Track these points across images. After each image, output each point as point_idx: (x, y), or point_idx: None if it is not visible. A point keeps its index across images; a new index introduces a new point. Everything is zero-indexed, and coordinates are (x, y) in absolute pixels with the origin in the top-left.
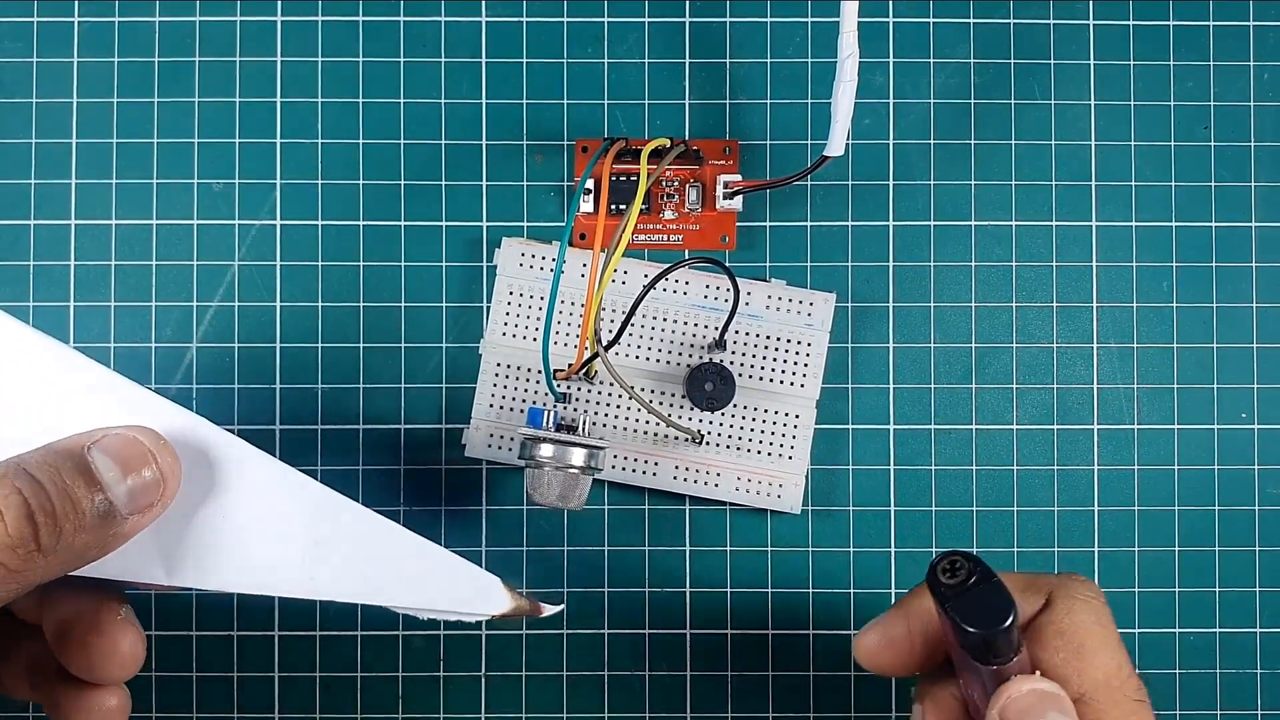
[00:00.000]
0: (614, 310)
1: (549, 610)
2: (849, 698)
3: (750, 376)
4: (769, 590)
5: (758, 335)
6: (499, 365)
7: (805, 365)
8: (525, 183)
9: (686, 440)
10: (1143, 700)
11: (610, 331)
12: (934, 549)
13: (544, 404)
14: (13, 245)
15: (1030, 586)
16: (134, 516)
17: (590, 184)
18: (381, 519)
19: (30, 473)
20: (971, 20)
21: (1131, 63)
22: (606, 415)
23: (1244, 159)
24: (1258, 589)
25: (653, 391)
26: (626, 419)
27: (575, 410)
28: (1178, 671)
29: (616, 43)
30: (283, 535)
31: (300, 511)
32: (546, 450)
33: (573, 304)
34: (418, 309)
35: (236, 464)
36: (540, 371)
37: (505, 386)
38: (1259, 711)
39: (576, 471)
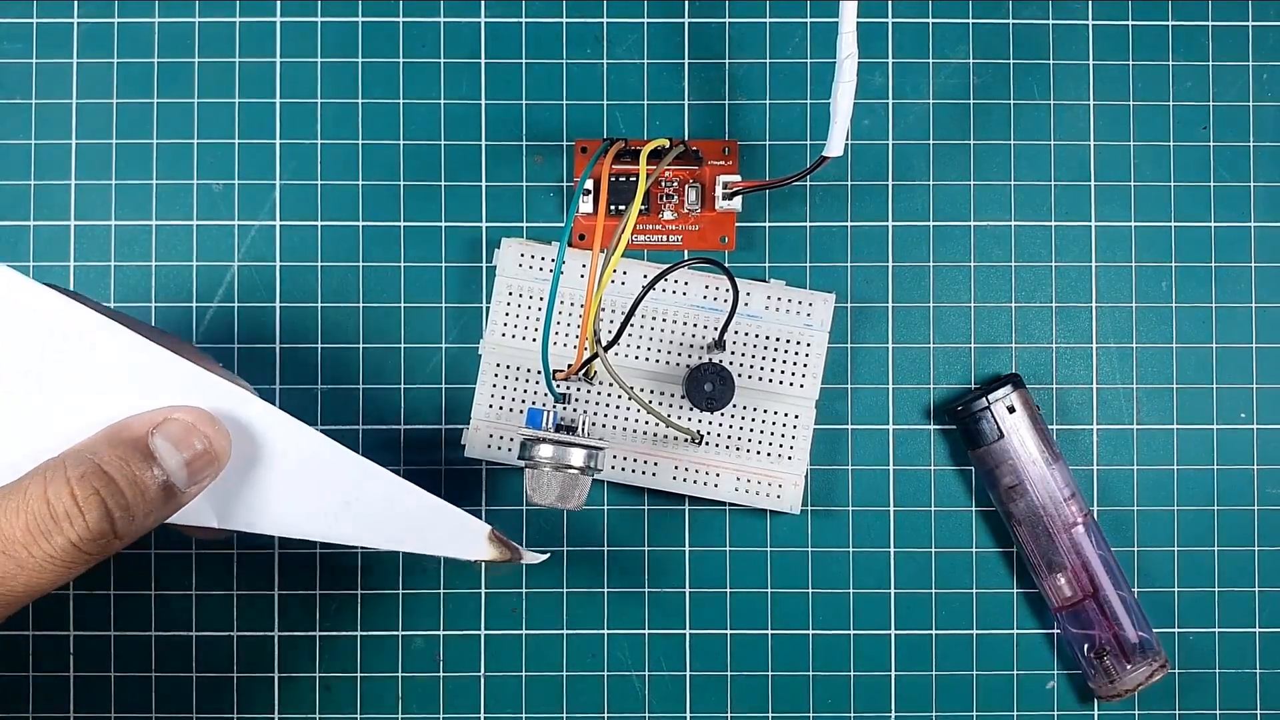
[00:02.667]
0: (613, 310)
1: (531, 558)
2: (849, 698)
3: (750, 377)
4: (769, 590)
5: (757, 335)
6: (499, 366)
7: (805, 365)
8: (524, 183)
9: (686, 440)
10: None
11: (610, 332)
12: (933, 549)
13: (543, 404)
14: (13, 246)
15: None
16: (192, 488)
17: (589, 184)
18: (401, 482)
19: (105, 469)
20: (971, 20)
21: (1130, 63)
22: (606, 415)
23: (1243, 159)
24: (1257, 589)
25: (652, 392)
26: (626, 419)
27: (575, 411)
28: (1177, 671)
29: (616, 43)
30: (320, 494)
31: (335, 475)
32: (546, 451)
33: (572, 304)
34: (417, 309)
35: (282, 432)
36: (540, 372)
37: (505, 387)
38: (1259, 711)
39: (576, 472)
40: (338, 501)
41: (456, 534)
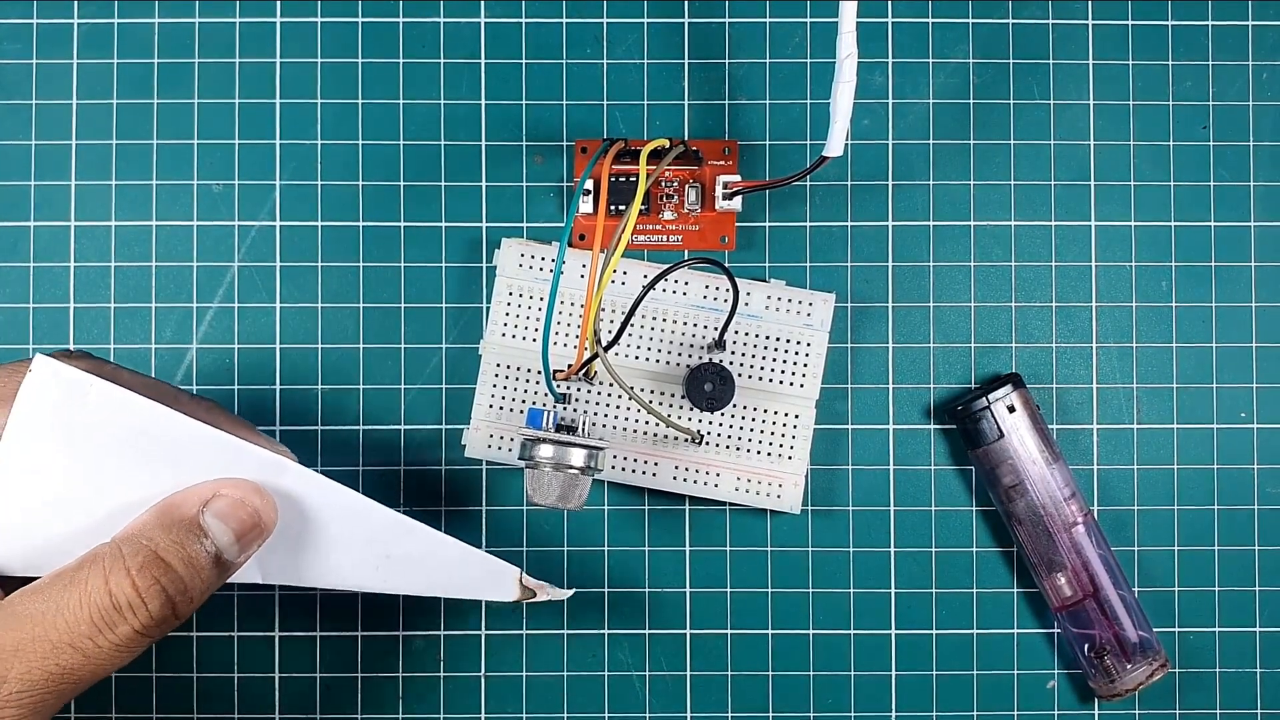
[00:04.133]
0: (614, 310)
1: (557, 594)
2: (849, 698)
3: (750, 377)
4: (769, 590)
5: (757, 335)
6: (499, 366)
7: (805, 365)
8: (525, 183)
9: (686, 440)
10: None
11: (610, 332)
12: (933, 549)
13: (544, 404)
14: (13, 246)
15: None
16: (241, 558)
17: (589, 184)
18: (436, 534)
19: (162, 556)
20: (970, 20)
21: (1130, 62)
22: (606, 416)
23: (1243, 159)
24: (1257, 589)
25: (652, 392)
26: (626, 419)
27: (575, 411)
28: (1177, 671)
29: (615, 43)
30: (360, 548)
31: (373, 530)
32: (546, 451)
33: (572, 304)
34: (417, 309)
35: (321, 494)
36: (540, 372)
37: (505, 387)
38: (1259, 711)
39: (576, 472)
40: (378, 554)
41: (489, 578)
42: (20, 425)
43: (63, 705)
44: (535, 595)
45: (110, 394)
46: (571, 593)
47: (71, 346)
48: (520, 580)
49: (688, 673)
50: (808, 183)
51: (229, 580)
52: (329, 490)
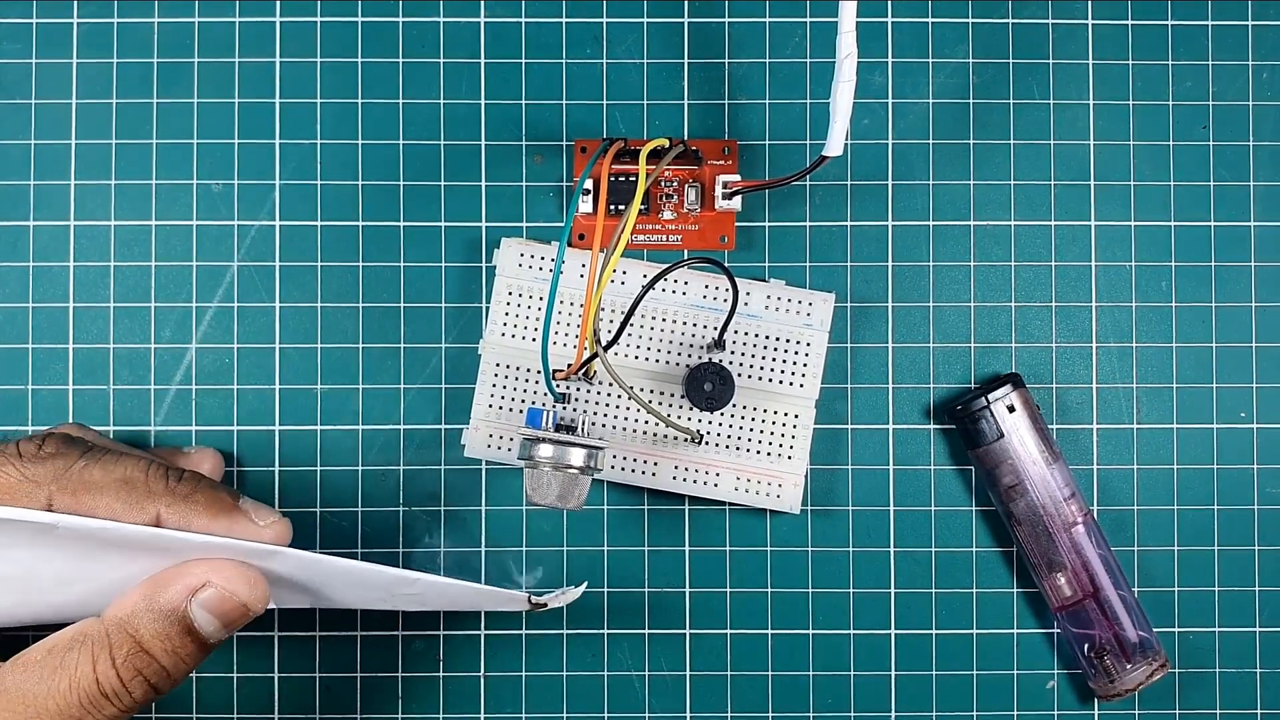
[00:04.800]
0: (613, 310)
1: (565, 599)
2: (849, 698)
3: (749, 376)
4: (769, 590)
5: (757, 335)
6: (498, 365)
7: (804, 365)
8: (524, 183)
9: (686, 440)
10: None
11: (609, 331)
12: (933, 549)
13: (543, 404)
14: (12, 246)
15: None
16: (225, 636)
17: (589, 184)
18: (440, 580)
19: (147, 649)
20: (970, 20)
21: (1130, 62)
22: (606, 415)
23: (1243, 159)
24: (1257, 589)
25: (652, 391)
26: (626, 419)
27: (574, 410)
28: (1177, 671)
29: (615, 43)
30: (366, 595)
31: (380, 584)
32: (546, 450)
33: (572, 304)
34: (417, 309)
35: (318, 569)
36: (539, 371)
37: (505, 387)
38: (1259, 711)
39: (576, 472)
40: (385, 594)
41: (501, 602)
42: None
43: None
44: (547, 605)
45: (75, 527)
46: (582, 590)
47: (70, 345)
48: (529, 599)
49: (687, 673)
50: (807, 182)
51: None
52: (321, 564)
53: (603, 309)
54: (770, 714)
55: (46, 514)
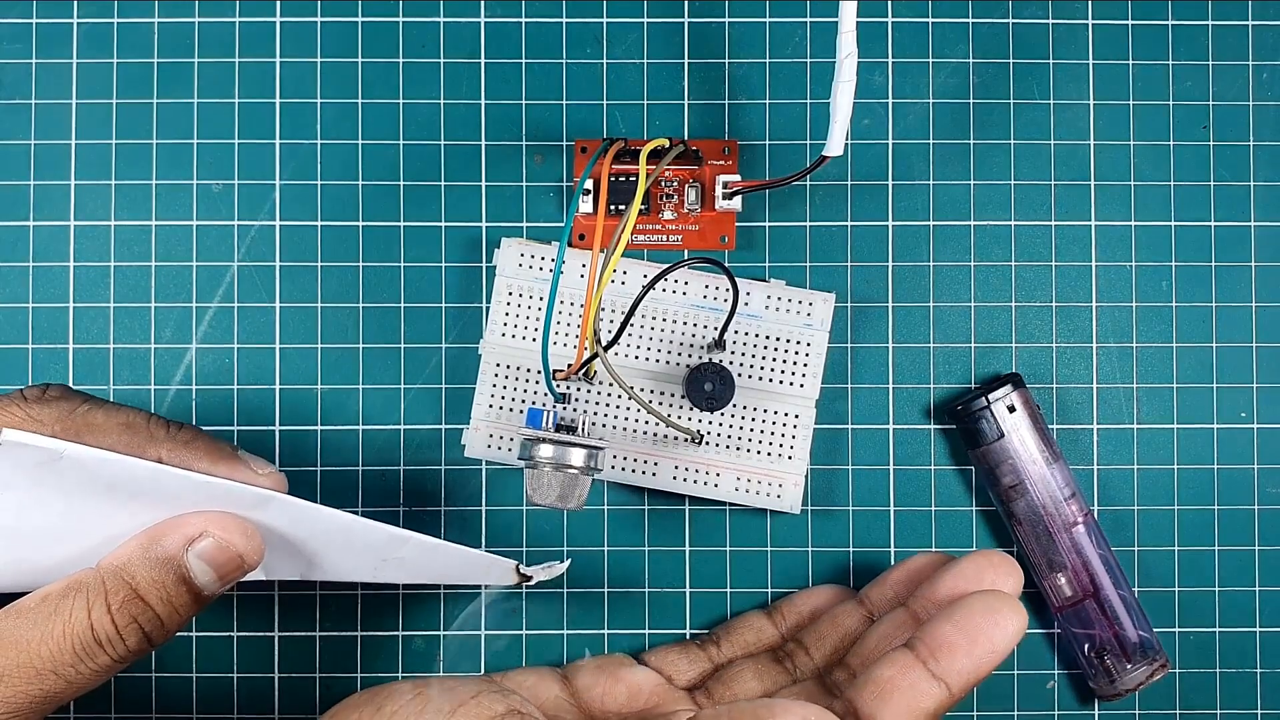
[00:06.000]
0: (613, 310)
1: (550, 573)
2: None
3: (750, 376)
4: (769, 590)
5: (757, 335)
6: (498, 366)
7: (805, 365)
8: (524, 183)
9: (686, 440)
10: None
11: (610, 331)
12: (933, 549)
13: (543, 404)
14: (12, 246)
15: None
16: (220, 588)
17: (589, 184)
18: (430, 540)
19: (142, 596)
20: (970, 20)
21: (1130, 62)
22: (606, 415)
23: (1243, 158)
24: (1257, 588)
25: (652, 391)
26: (626, 419)
27: (575, 410)
28: (1177, 671)
29: (615, 43)
30: (357, 557)
31: (368, 546)
32: (546, 450)
33: (572, 304)
34: (417, 309)
35: (312, 519)
36: (540, 372)
37: (505, 387)
38: (1259, 711)
39: (576, 472)
40: (375, 560)
41: (487, 569)
42: None
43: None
44: (532, 579)
45: (82, 457)
46: (567, 565)
47: (70, 345)
48: (517, 569)
49: None
50: (808, 182)
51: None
52: (318, 515)
53: (603, 309)
54: None
55: (54, 440)
